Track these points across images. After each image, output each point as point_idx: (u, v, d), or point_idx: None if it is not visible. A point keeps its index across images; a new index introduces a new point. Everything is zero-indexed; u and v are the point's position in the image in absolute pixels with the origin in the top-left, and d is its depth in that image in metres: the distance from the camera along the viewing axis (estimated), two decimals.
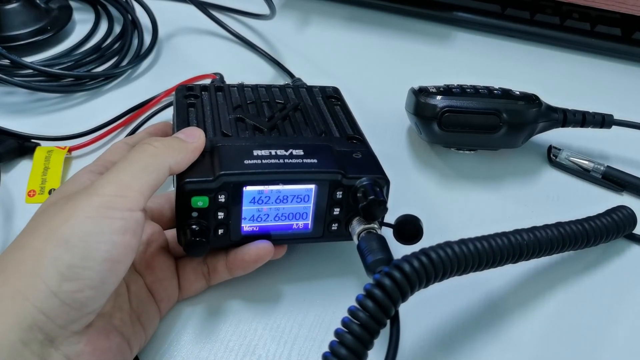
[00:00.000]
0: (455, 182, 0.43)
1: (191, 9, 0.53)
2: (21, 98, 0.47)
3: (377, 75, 0.53)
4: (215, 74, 0.47)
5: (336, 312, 0.33)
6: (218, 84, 0.38)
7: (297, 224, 0.32)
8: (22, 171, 0.40)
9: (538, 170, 0.45)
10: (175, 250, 0.33)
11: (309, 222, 0.32)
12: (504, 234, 0.31)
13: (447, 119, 0.40)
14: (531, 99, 0.42)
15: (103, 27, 0.56)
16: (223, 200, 0.30)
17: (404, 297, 0.26)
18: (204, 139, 0.31)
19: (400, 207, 0.33)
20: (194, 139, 0.30)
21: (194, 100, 0.36)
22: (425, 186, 0.42)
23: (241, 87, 0.38)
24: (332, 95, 0.39)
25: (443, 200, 0.41)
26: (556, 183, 0.44)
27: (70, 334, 0.24)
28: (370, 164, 0.32)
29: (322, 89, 0.40)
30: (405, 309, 0.27)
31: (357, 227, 0.31)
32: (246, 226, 0.31)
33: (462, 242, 0.28)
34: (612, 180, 0.43)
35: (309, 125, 0.35)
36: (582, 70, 0.55)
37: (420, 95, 0.41)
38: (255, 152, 0.31)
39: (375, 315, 0.25)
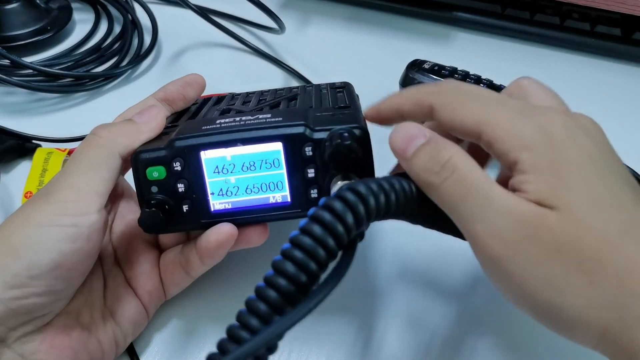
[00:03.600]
0: None
1: (191, 9, 0.53)
2: (21, 98, 0.47)
3: (377, 75, 0.53)
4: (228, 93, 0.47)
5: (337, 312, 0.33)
6: (227, 94, 0.36)
7: (274, 197, 0.28)
8: (22, 172, 0.40)
9: None
10: (163, 244, 0.32)
11: (286, 192, 0.28)
12: None
13: None
14: None
15: (103, 27, 0.56)
16: (180, 168, 0.27)
17: (358, 223, 0.22)
18: (161, 119, 0.29)
19: None
20: (148, 119, 0.29)
21: (190, 105, 0.34)
22: None
23: (246, 93, 0.36)
24: (338, 87, 0.36)
25: None
26: None
27: (23, 334, 0.24)
28: (348, 118, 0.28)
29: (331, 83, 0.37)
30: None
31: (335, 185, 0.27)
32: (216, 203, 0.28)
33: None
34: None
35: (299, 106, 0.32)
36: (582, 70, 0.55)
37: (410, 69, 0.44)
38: (219, 121, 0.29)
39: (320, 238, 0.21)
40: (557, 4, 0.58)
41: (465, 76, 0.42)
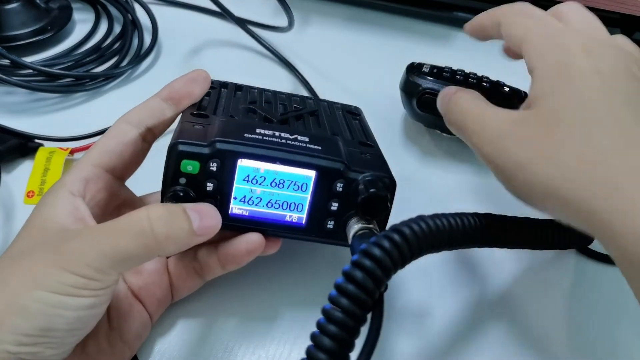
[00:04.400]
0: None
1: (191, 10, 0.53)
2: (21, 98, 0.47)
3: (377, 75, 0.53)
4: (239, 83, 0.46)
5: None
6: (239, 85, 0.37)
7: (290, 216, 0.30)
8: (24, 171, 0.40)
9: None
10: None
11: (304, 215, 0.30)
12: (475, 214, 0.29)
13: (425, 100, 0.41)
14: (518, 96, 0.42)
15: (103, 27, 0.56)
16: (215, 169, 0.28)
17: (387, 274, 0.24)
18: (217, 227, 0.27)
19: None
20: (205, 233, 0.26)
21: (210, 91, 0.34)
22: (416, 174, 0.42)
23: (262, 90, 0.37)
24: (352, 112, 0.38)
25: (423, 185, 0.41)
26: None
27: None
28: (378, 164, 0.30)
29: (344, 105, 0.39)
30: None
31: (354, 226, 0.29)
32: (235, 207, 0.29)
33: (436, 216, 0.26)
34: None
35: (322, 126, 0.33)
36: None
37: (411, 71, 0.43)
38: (258, 130, 0.29)
39: (358, 297, 0.23)
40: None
41: (466, 77, 0.42)
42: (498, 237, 0.31)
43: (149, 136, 0.31)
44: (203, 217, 0.26)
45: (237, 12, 0.56)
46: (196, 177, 0.28)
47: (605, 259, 0.37)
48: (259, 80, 0.39)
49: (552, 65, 0.27)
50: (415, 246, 0.24)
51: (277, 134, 0.30)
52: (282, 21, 0.50)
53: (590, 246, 0.38)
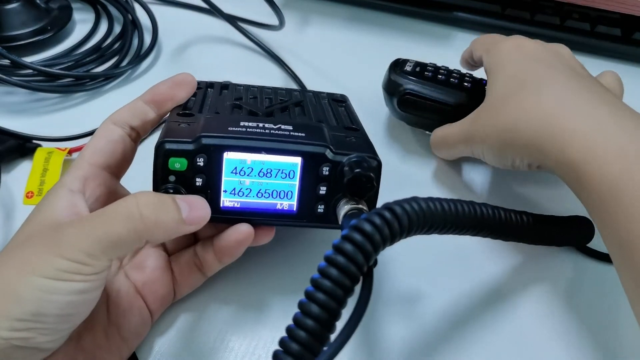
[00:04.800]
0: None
1: (191, 10, 0.53)
2: (21, 98, 0.47)
3: (377, 75, 0.53)
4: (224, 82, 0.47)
5: None
6: (225, 83, 0.38)
7: (281, 204, 0.30)
8: (23, 172, 0.40)
9: None
10: (170, 248, 0.33)
11: (294, 202, 0.30)
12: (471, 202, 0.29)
13: (406, 101, 0.42)
14: None
15: (103, 27, 0.56)
16: (202, 164, 0.28)
17: (376, 249, 0.24)
18: (206, 217, 0.27)
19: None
20: (194, 222, 0.27)
21: (196, 91, 0.35)
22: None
23: (247, 86, 0.38)
24: (338, 100, 0.38)
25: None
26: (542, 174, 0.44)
27: None
28: (363, 145, 0.31)
29: (330, 94, 0.39)
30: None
31: (344, 207, 0.29)
32: (226, 200, 0.30)
33: (430, 199, 0.26)
34: None
35: (307, 116, 0.34)
36: None
37: (393, 70, 0.43)
38: (242, 123, 0.30)
39: (347, 269, 0.23)
40: (557, 4, 0.58)
41: (449, 74, 0.42)
42: (491, 227, 0.31)
43: (134, 135, 0.32)
44: (192, 208, 0.27)
45: (237, 12, 0.56)
46: (185, 174, 0.28)
47: (604, 258, 0.37)
48: (259, 80, 0.39)
49: (494, 61, 0.38)
50: (405, 224, 0.24)
51: (261, 125, 0.30)
52: (274, 20, 0.50)
53: (589, 245, 0.38)
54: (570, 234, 0.37)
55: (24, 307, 0.22)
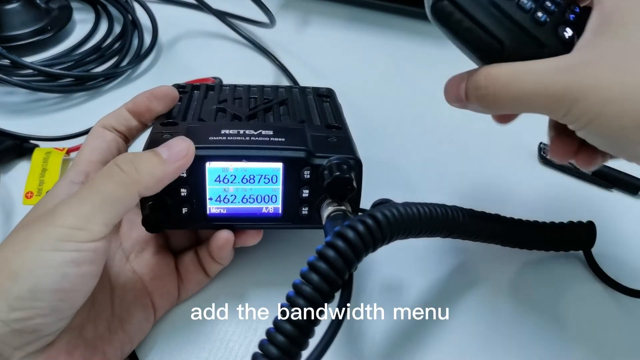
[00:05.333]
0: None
1: (191, 9, 0.53)
2: (21, 98, 0.47)
3: (377, 75, 0.53)
4: (214, 77, 0.47)
5: None
6: (211, 84, 0.38)
7: (266, 208, 0.31)
8: (21, 172, 0.40)
9: (529, 169, 0.45)
10: (174, 248, 0.34)
11: (279, 205, 0.31)
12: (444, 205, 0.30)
13: (441, 9, 0.26)
14: None
15: (103, 27, 0.56)
16: (185, 175, 0.29)
17: (358, 257, 0.24)
18: (191, 155, 0.28)
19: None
20: (177, 158, 0.27)
21: (181, 96, 0.35)
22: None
23: (233, 87, 0.38)
24: (323, 94, 0.39)
25: None
26: (545, 180, 0.44)
27: (26, 354, 0.24)
28: (343, 146, 0.31)
29: (316, 88, 0.39)
30: None
31: (327, 209, 0.29)
32: (212, 207, 0.30)
33: (407, 204, 0.27)
34: (602, 177, 0.43)
35: (291, 115, 0.34)
36: None
37: None
38: (223, 131, 0.30)
39: (328, 275, 0.23)
40: None
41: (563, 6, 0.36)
42: (466, 229, 0.32)
43: (123, 137, 0.33)
44: (171, 147, 0.27)
45: (237, 12, 0.56)
46: (169, 185, 0.28)
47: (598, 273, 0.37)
48: (255, 78, 0.39)
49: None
50: (386, 232, 0.25)
51: (241, 132, 0.31)
52: (282, 20, 0.50)
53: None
54: (554, 239, 0.37)
55: (21, 285, 0.23)
